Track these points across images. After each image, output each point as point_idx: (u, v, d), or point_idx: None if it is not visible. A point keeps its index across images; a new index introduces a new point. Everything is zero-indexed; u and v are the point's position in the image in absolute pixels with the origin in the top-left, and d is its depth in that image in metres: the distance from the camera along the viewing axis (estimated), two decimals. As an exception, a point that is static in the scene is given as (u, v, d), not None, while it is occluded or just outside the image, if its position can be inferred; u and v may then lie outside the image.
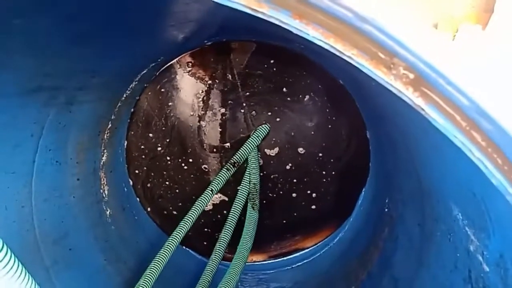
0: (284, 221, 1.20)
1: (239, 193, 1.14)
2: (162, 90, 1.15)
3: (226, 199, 1.20)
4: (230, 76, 1.14)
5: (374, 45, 0.30)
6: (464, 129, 0.31)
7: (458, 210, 0.52)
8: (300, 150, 1.16)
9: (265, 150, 1.17)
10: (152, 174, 1.19)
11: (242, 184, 1.15)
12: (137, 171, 1.19)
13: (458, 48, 0.30)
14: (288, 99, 1.13)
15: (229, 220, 1.11)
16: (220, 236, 1.10)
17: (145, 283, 0.91)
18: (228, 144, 1.18)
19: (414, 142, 0.63)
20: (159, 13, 0.80)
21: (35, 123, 0.78)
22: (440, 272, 0.59)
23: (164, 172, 1.19)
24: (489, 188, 0.33)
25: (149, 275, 0.92)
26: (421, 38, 0.30)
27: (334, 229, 1.19)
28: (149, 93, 1.16)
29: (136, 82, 1.09)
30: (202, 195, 1.10)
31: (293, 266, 1.21)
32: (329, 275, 1.12)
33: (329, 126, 1.13)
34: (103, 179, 1.07)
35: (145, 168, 1.19)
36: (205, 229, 1.21)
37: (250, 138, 1.13)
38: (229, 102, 1.16)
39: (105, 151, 1.07)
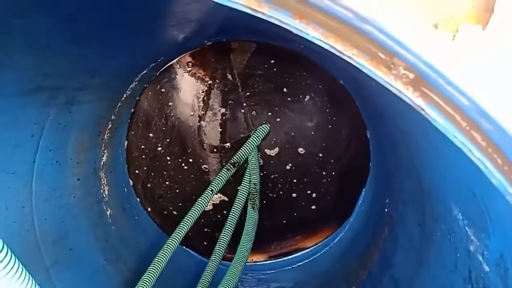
0: (284, 221, 1.20)
1: (239, 193, 1.14)
2: (162, 90, 1.15)
3: (226, 199, 1.20)
4: (230, 76, 1.14)
5: (374, 45, 0.30)
6: (464, 129, 0.31)
7: (458, 210, 0.52)
8: (300, 150, 1.16)
9: (265, 150, 1.17)
10: (152, 174, 1.19)
11: (242, 184, 1.15)
12: (137, 171, 1.19)
13: (458, 48, 0.30)
14: (288, 99, 1.13)
15: (229, 220, 1.11)
16: (220, 236, 1.10)
17: (145, 283, 0.91)
18: (228, 144, 1.18)
19: (414, 142, 0.63)
20: (159, 13, 0.80)
21: (35, 123, 0.78)
22: (440, 272, 0.59)
23: (164, 172, 1.20)
24: (489, 188, 0.33)
25: (149, 275, 0.92)
26: (421, 38, 0.30)
27: (334, 229, 1.19)
28: (149, 93, 1.16)
29: (136, 82, 1.09)
30: (202, 195, 1.10)
31: (294, 266, 1.21)
32: (329, 275, 1.12)
33: (329, 126, 1.13)
34: (103, 179, 1.07)
35: (145, 168, 1.19)
36: (205, 229, 1.21)
37: (250, 138, 1.13)
38: (229, 102, 1.16)
39: (105, 151, 1.07)
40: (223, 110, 1.16)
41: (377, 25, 0.30)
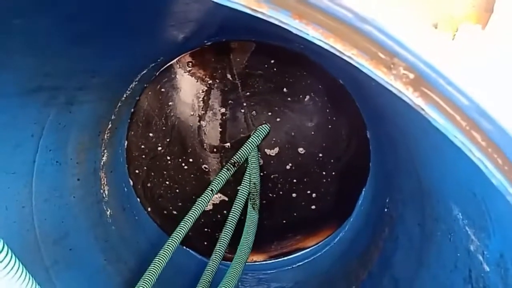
0: (284, 221, 1.20)
1: (239, 193, 1.14)
2: (162, 90, 1.15)
3: (226, 199, 1.20)
4: (230, 76, 1.14)
5: (374, 45, 0.30)
6: (464, 129, 0.31)
7: (458, 210, 0.52)
8: (300, 150, 1.16)
9: (265, 150, 1.17)
10: (152, 174, 1.19)
11: (242, 184, 1.15)
12: (137, 171, 1.19)
13: (458, 48, 0.30)
14: (288, 99, 1.13)
15: (230, 220, 1.11)
16: (220, 236, 1.10)
17: (145, 283, 0.91)
18: (228, 144, 1.18)
19: (414, 142, 0.63)
20: (159, 13, 0.80)
21: (35, 123, 0.78)
22: (440, 272, 0.59)
23: (164, 172, 1.20)
24: (489, 188, 0.33)
25: (149, 275, 0.92)
26: (421, 38, 0.30)
27: (334, 229, 1.19)
28: (149, 93, 1.16)
29: (136, 82, 1.09)
30: (202, 195, 1.10)
31: (294, 266, 1.21)
32: (329, 275, 1.12)
33: (329, 126, 1.13)
34: (104, 179, 1.07)
35: (145, 168, 1.19)
36: (206, 229, 1.21)
37: (250, 138, 1.13)
38: (229, 102, 1.16)
39: (105, 151, 1.07)
40: (223, 110, 1.16)
41: (377, 25, 0.30)
